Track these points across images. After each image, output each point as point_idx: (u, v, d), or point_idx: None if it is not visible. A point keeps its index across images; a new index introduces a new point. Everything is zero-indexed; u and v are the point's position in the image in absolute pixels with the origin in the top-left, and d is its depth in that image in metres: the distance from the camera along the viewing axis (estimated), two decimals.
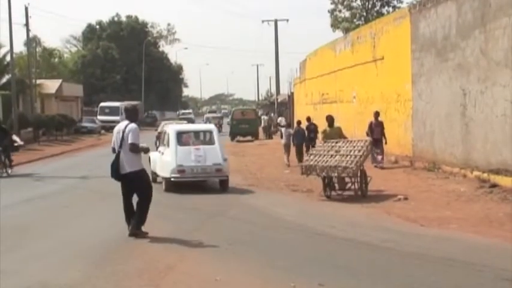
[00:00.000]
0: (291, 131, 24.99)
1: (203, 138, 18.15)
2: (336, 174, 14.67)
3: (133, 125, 10.31)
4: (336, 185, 15.49)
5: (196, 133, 18.45)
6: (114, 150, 10.46)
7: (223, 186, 17.05)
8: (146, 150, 10.85)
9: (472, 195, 14.60)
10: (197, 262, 8.92)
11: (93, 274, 8.32)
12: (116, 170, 10.29)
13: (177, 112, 70.57)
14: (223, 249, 9.69)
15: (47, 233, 11.34)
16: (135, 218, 10.46)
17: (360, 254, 9.34)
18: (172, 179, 16.53)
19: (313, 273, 8.16)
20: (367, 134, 21.13)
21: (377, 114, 21.79)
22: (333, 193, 15.29)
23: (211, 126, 19.40)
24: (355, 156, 14.72)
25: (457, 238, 10.33)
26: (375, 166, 20.46)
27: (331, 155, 15.01)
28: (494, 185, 15.05)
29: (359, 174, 15.17)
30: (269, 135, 45.92)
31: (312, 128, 24.15)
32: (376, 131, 21.21)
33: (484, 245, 9.77)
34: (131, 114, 10.59)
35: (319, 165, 14.79)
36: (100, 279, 8.02)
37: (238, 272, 8.34)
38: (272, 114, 51.13)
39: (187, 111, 73.73)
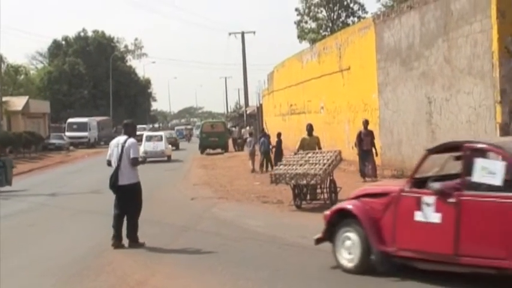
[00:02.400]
0: (253, 140, 28.31)
1: (158, 139, 37.66)
2: (305, 181, 14.77)
3: (133, 140, 10.86)
4: (308, 195, 15.57)
5: (155, 136, 38.82)
6: (109, 163, 10.95)
7: (168, 159, 36.21)
8: (144, 161, 11.36)
9: None
10: (169, 276, 8.92)
11: None
12: (114, 182, 10.73)
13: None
14: (195, 263, 9.70)
15: (16, 251, 11.21)
16: (130, 230, 10.84)
17: (331, 264, 9.40)
18: (141, 156, 25.45)
19: (285, 284, 8.21)
20: (356, 145, 20.11)
21: (366, 122, 20.06)
22: (303, 203, 15.38)
23: (162, 133, 41.09)
24: (324, 164, 14.88)
25: None
26: (364, 180, 18.84)
27: (301, 164, 15.15)
28: None
29: (328, 184, 15.30)
30: (239, 147, 45.97)
31: (268, 139, 26.89)
32: (366, 141, 19.71)
33: None
34: (129, 129, 11.18)
35: (288, 174, 14.93)
36: None
37: (211, 285, 8.36)
38: (242, 129, 51.34)
39: (140, 126, 67.15)
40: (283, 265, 9.34)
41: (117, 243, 10.75)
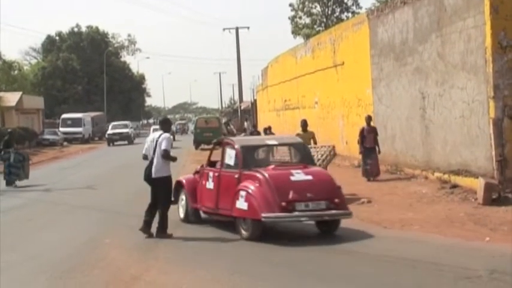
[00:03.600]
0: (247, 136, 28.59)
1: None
2: None
3: (167, 134, 11.59)
4: None
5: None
6: (145, 157, 11.64)
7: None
8: (174, 159, 11.69)
9: (434, 196, 14.84)
10: (163, 272, 8.94)
11: (57, 287, 8.29)
12: (148, 174, 11.39)
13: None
14: (189, 258, 9.72)
15: (11, 247, 11.19)
16: (159, 221, 11.34)
17: (324, 258, 9.45)
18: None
19: (279, 278, 8.24)
20: (358, 143, 18.83)
21: (369, 118, 18.97)
22: None
23: None
24: (318, 160, 14.92)
25: (419, 239, 10.51)
26: (368, 180, 18.25)
27: None
28: (454, 186, 15.32)
29: None
30: None
31: (255, 135, 26.98)
32: (369, 138, 18.46)
33: (446, 244, 9.96)
34: (165, 125, 12.01)
35: None
36: None
37: (205, 280, 8.37)
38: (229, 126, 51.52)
39: (120, 123, 59.03)
40: (277, 260, 9.37)
41: (146, 229, 11.31)
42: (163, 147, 11.20)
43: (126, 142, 53.31)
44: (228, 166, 11.71)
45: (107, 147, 51.23)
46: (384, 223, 12.04)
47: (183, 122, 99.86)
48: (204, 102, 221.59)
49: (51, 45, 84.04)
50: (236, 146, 11.66)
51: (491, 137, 14.27)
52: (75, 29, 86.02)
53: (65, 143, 53.55)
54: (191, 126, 76.37)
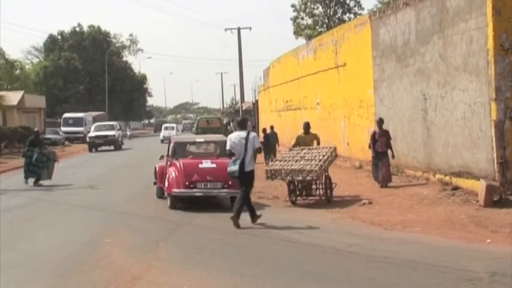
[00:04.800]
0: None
1: (171, 128, 57.15)
2: (300, 177, 14.82)
3: (254, 134, 12.98)
4: (304, 191, 15.61)
5: (170, 127, 59.45)
6: (230, 152, 12.61)
7: None
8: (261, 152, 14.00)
9: (435, 198, 14.85)
10: (164, 271, 8.94)
11: (58, 286, 8.29)
12: (241, 169, 12.37)
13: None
14: (190, 258, 9.72)
15: (12, 246, 11.18)
16: (249, 209, 12.56)
17: (326, 259, 9.45)
18: (161, 139, 51.45)
19: (280, 279, 8.24)
20: (369, 147, 18.24)
21: (381, 121, 18.26)
22: (298, 199, 15.41)
23: (174, 125, 65.85)
24: (319, 161, 14.92)
25: (420, 241, 10.50)
26: (381, 186, 17.46)
27: (296, 160, 15.20)
28: (456, 188, 15.33)
29: (323, 180, 15.34)
30: None
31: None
32: (381, 142, 17.78)
33: (447, 246, 9.96)
34: (243, 125, 13.43)
35: (284, 169, 14.98)
36: None
37: (206, 280, 8.38)
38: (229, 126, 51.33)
39: (106, 123, 51.50)
40: (278, 260, 9.38)
41: (236, 220, 12.13)
42: (257, 145, 12.68)
43: (112, 147, 45.16)
44: (169, 156, 16.09)
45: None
46: (385, 224, 12.04)
47: (189, 121, 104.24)
48: (205, 102, 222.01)
49: (53, 44, 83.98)
50: (172, 142, 16.38)
51: (493, 139, 14.27)
52: (77, 29, 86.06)
53: (67, 143, 53.52)
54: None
